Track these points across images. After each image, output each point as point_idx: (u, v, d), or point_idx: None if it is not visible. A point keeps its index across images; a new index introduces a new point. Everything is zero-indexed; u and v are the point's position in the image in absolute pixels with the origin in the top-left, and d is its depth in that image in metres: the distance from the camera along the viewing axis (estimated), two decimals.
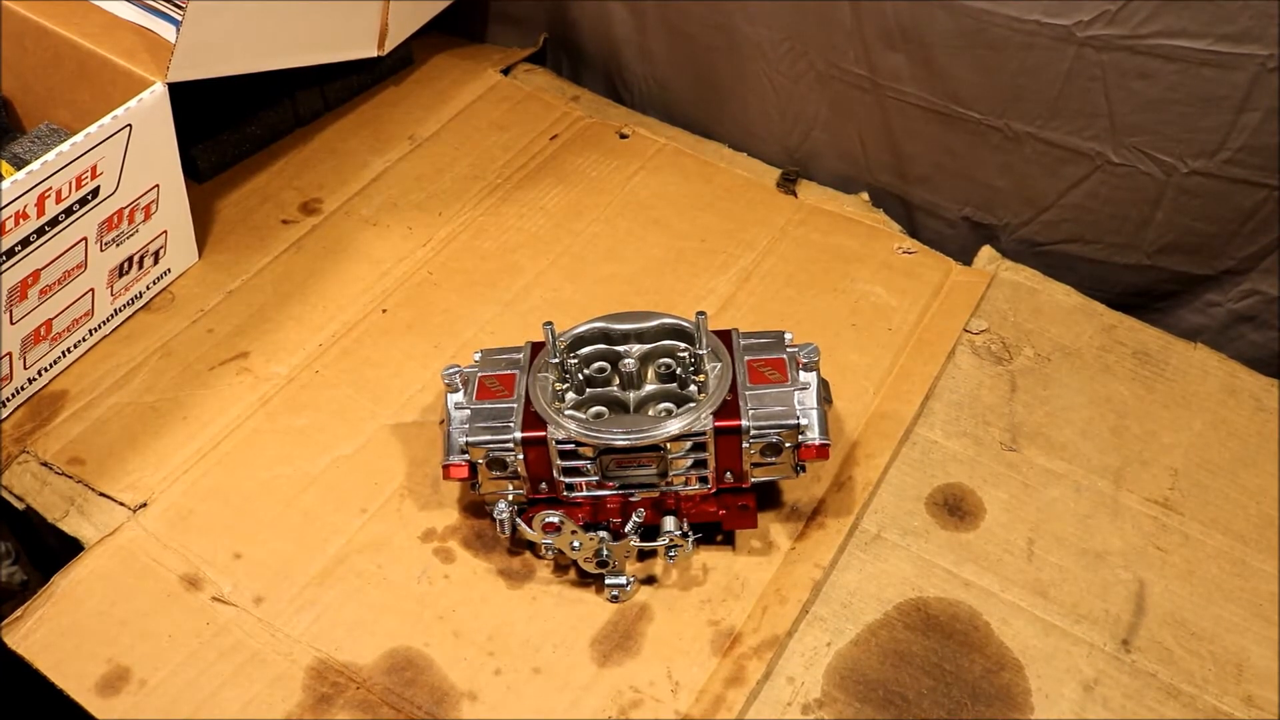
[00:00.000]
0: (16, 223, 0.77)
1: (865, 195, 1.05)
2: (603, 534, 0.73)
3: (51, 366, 0.88)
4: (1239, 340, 0.97)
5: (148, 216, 0.90)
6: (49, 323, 0.86)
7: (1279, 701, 0.71)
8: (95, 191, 0.83)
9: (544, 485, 0.73)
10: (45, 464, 0.83)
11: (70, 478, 0.82)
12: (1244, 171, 0.86)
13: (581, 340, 0.78)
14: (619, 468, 0.72)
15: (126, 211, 0.88)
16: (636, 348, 0.77)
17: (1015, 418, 0.87)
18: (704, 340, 0.75)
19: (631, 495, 0.74)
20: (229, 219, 1.03)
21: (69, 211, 0.81)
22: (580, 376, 0.76)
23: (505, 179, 1.08)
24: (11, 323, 0.82)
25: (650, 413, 0.76)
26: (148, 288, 0.95)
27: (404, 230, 1.03)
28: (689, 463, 0.72)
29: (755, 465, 0.73)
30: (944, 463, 0.84)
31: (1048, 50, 0.87)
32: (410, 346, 0.92)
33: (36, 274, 0.82)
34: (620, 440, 0.70)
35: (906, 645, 0.73)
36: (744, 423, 0.71)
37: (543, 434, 0.71)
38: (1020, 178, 0.97)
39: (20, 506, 0.82)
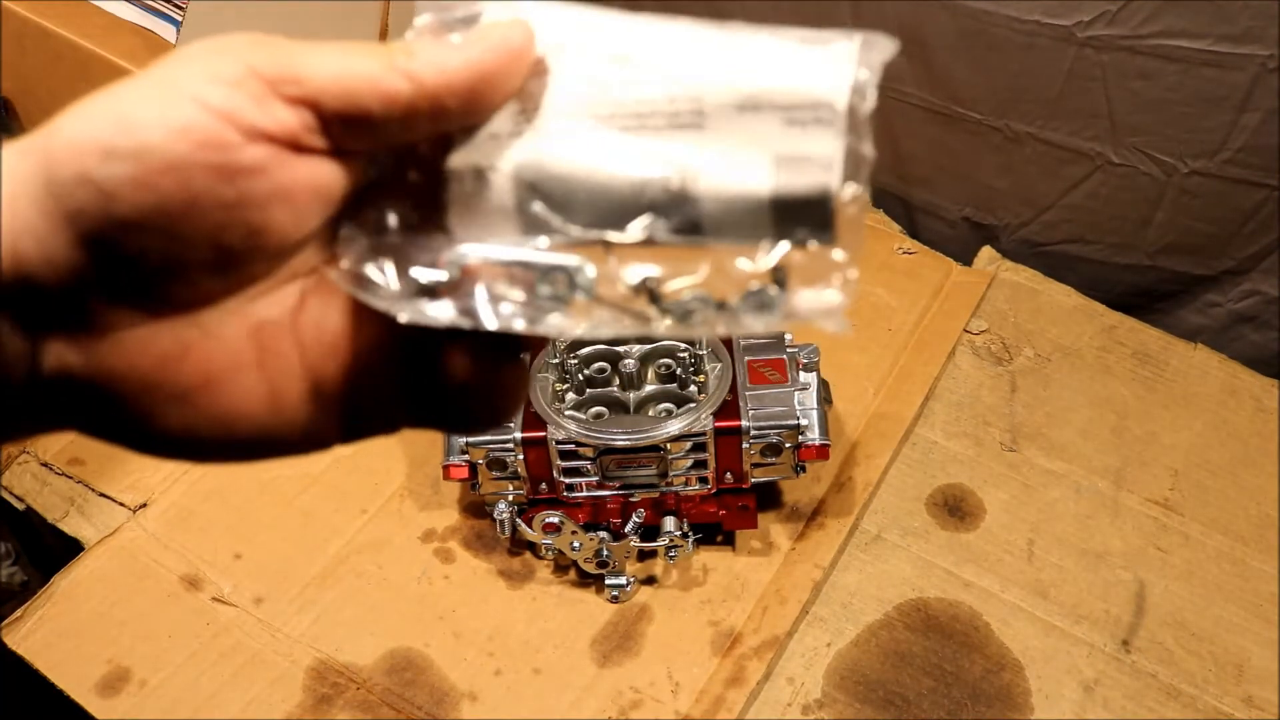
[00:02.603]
0: None
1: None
2: (603, 534, 0.73)
3: None
4: (1239, 340, 0.97)
5: None
6: None
7: (1279, 702, 0.71)
8: None
9: (544, 486, 0.73)
10: (45, 464, 0.83)
11: (70, 478, 0.82)
12: (1244, 172, 0.86)
13: (582, 340, 0.78)
14: (619, 468, 0.72)
15: None
16: (636, 348, 0.77)
17: (1015, 418, 0.87)
18: (704, 340, 0.75)
19: (631, 496, 0.74)
20: None
21: None
22: (580, 377, 0.76)
23: None
24: None
25: (650, 413, 0.76)
26: None
27: None
28: (689, 463, 0.72)
29: (755, 466, 0.73)
30: (944, 463, 0.84)
31: (1048, 51, 0.87)
32: None
33: None
34: (620, 440, 0.70)
35: (907, 646, 0.73)
36: (744, 423, 0.71)
37: (543, 434, 0.71)
38: (1020, 178, 0.97)
39: (20, 507, 0.82)
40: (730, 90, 0.26)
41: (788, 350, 0.75)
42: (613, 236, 0.27)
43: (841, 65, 0.26)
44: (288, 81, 0.25)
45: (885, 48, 0.27)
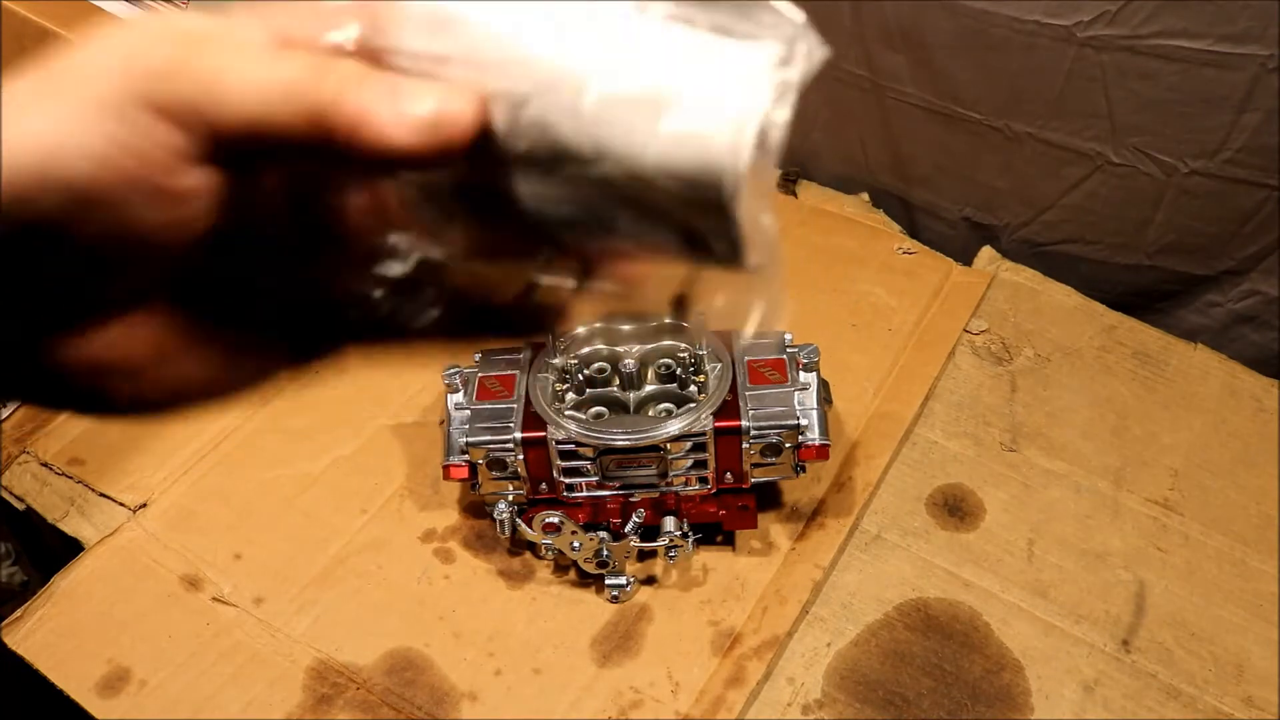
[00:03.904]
0: None
1: (865, 196, 1.05)
2: (603, 534, 0.73)
3: None
4: (1239, 340, 0.97)
5: None
6: None
7: (1279, 702, 0.71)
8: None
9: (544, 486, 0.73)
10: (45, 464, 0.83)
11: (70, 478, 0.83)
12: (1244, 172, 0.86)
13: (581, 341, 0.78)
14: (619, 468, 0.72)
15: None
16: (636, 348, 0.77)
17: (1015, 418, 0.87)
18: (704, 340, 0.75)
19: (631, 495, 0.74)
20: None
21: None
22: (580, 377, 0.76)
23: None
24: None
25: (650, 413, 0.76)
26: None
27: None
28: (689, 463, 0.72)
29: (755, 466, 0.73)
30: (944, 463, 0.84)
31: (1048, 51, 0.87)
32: (410, 347, 0.92)
33: None
34: (620, 440, 0.70)
35: (906, 646, 0.73)
36: (744, 423, 0.71)
37: (543, 434, 0.71)
38: (1020, 178, 0.97)
39: (20, 506, 0.82)
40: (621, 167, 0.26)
41: (788, 350, 0.75)
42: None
43: (743, 107, 0.25)
44: (186, 112, 0.25)
45: (815, 54, 0.26)
